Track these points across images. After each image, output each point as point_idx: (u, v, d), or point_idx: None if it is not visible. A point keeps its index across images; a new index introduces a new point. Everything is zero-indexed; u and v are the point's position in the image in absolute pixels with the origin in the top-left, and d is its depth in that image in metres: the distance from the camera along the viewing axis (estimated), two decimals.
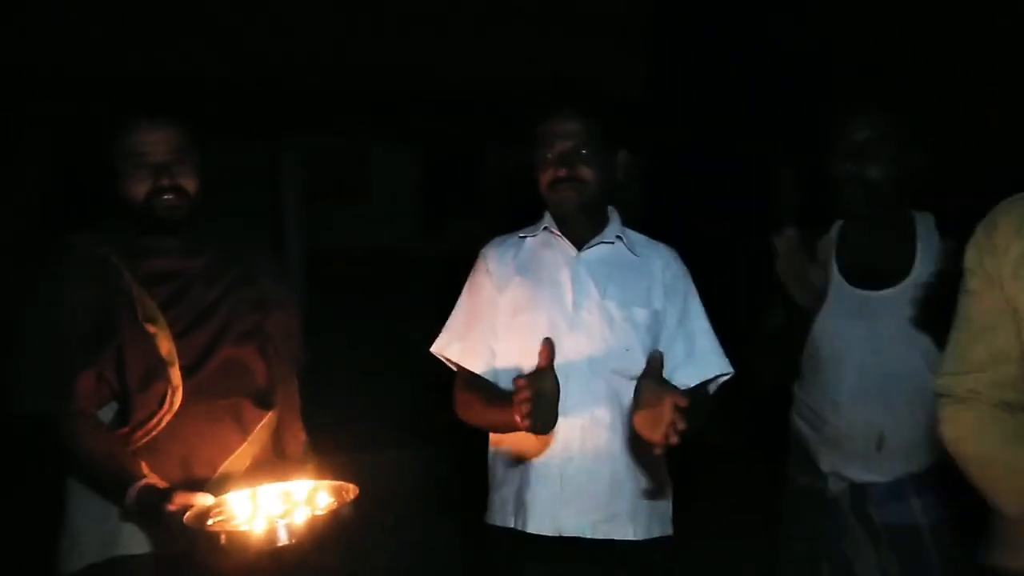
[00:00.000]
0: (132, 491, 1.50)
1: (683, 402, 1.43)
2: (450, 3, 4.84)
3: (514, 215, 1.95)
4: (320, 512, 1.38)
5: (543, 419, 1.51)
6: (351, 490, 1.44)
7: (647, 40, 5.11)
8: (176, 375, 1.63)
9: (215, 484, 1.60)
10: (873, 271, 1.90)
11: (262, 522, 1.35)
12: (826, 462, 1.92)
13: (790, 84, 4.48)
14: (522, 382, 1.49)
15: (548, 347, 1.54)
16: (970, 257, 1.32)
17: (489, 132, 4.80)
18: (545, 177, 1.76)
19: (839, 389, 1.89)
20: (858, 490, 1.88)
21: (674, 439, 1.44)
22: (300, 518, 1.35)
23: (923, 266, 1.86)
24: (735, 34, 4.89)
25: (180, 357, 1.65)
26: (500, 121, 4.01)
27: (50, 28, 4.05)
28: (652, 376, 1.51)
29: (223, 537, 1.31)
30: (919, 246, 1.88)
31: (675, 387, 1.51)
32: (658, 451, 1.48)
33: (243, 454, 1.70)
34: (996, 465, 1.28)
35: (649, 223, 1.95)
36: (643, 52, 5.07)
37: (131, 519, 1.62)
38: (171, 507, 1.42)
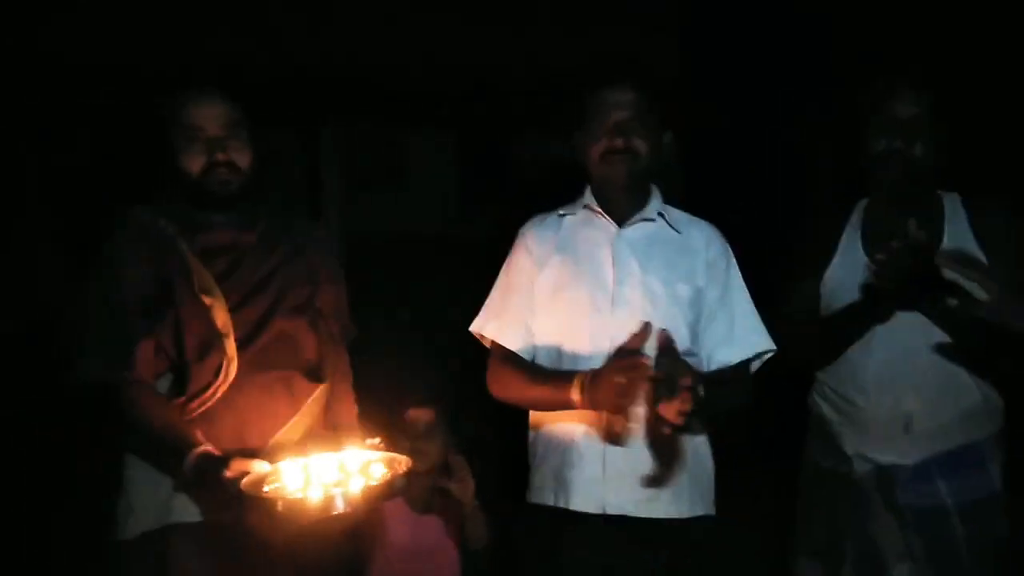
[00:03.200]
0: (191, 457, 1.49)
1: (689, 382, 1.41)
2: None
3: (549, 199, 1.90)
4: (375, 482, 1.37)
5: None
6: (403, 462, 1.43)
7: (682, 26, 5.06)
8: (231, 347, 1.62)
9: (269, 453, 1.58)
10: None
11: (318, 490, 1.33)
12: (851, 444, 1.88)
13: (822, 64, 4.42)
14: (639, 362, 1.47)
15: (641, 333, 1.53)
16: None
17: (524, 118, 4.79)
18: (597, 148, 1.72)
19: (866, 372, 1.84)
20: (884, 472, 1.85)
21: (680, 420, 1.41)
22: (355, 487, 1.33)
23: (951, 246, 1.78)
24: (768, 17, 4.84)
25: (235, 329, 1.64)
26: (535, 108, 3.99)
27: (93, 18, 4.11)
28: (667, 354, 1.48)
29: (280, 504, 1.30)
30: (947, 227, 1.83)
31: (689, 367, 1.48)
32: (667, 430, 1.45)
33: (295, 426, 1.69)
34: None
35: (689, 204, 1.92)
36: (677, 38, 5.03)
37: (184, 488, 1.62)
38: (229, 473, 1.41)
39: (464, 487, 2.02)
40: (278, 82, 4.32)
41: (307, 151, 4.87)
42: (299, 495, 1.35)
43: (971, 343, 1.78)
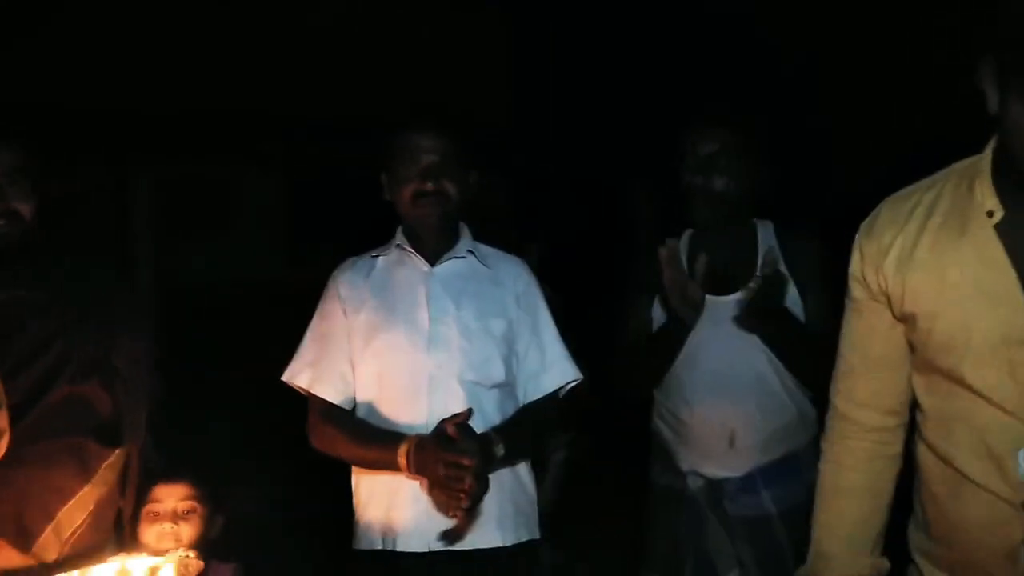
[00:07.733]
0: None
1: (471, 464, 1.48)
2: (316, 29, 4.75)
3: (385, 237, 1.86)
4: None
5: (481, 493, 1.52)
6: (194, 564, 1.32)
7: (509, 70, 5.22)
8: (3, 418, 1.42)
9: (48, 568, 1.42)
10: (719, 277, 1.93)
11: None
12: (685, 461, 1.94)
13: (646, 105, 4.67)
14: (463, 462, 1.49)
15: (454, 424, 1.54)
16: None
17: (353, 158, 4.74)
18: (407, 190, 1.72)
19: (693, 390, 1.92)
20: (714, 486, 1.91)
21: (464, 502, 1.48)
22: None
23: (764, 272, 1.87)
24: (593, 60, 5.07)
25: (9, 397, 1.43)
26: (363, 148, 3.95)
27: None
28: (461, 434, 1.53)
29: None
30: (760, 252, 1.92)
31: (473, 450, 1.52)
32: (458, 513, 1.51)
33: (85, 498, 1.53)
34: None
35: (515, 242, 1.94)
36: (505, 82, 5.17)
37: None
38: None
39: None
40: (86, 121, 4.03)
41: (118, 195, 4.55)
42: None
43: (796, 352, 1.89)
